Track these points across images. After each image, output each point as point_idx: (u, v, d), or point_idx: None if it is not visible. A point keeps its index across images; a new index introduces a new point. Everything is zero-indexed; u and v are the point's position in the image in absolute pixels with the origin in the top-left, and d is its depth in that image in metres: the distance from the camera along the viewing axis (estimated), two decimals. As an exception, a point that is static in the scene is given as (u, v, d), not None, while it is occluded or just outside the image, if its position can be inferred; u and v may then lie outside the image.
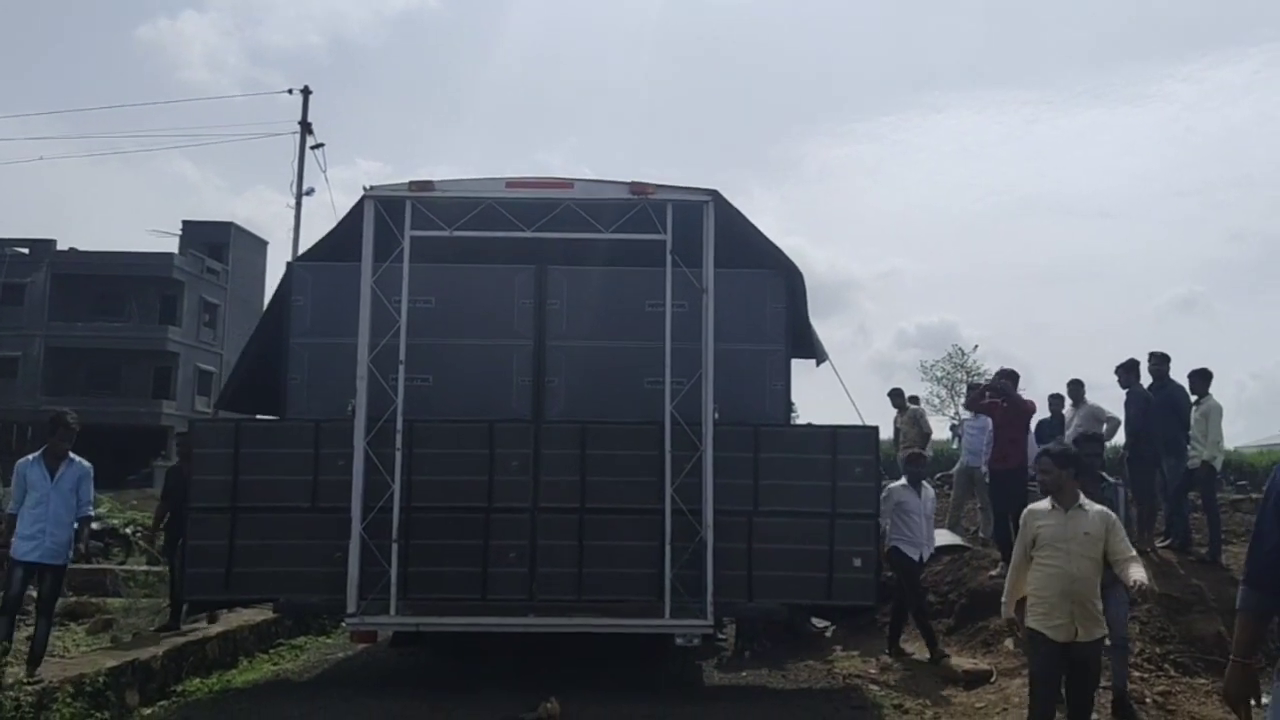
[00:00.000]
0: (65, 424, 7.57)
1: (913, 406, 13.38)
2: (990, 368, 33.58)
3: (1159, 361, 10.00)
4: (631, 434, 8.32)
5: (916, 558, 9.13)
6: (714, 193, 8.31)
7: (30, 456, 7.56)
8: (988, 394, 9.99)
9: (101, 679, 7.25)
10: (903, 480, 9.30)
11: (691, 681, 8.98)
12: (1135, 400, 10.05)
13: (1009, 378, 9.86)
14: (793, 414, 9.97)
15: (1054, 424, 11.27)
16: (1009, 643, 8.65)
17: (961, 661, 8.66)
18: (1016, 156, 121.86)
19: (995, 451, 9.59)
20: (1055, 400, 11.64)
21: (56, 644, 8.83)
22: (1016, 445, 9.46)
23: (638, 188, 8.19)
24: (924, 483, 9.52)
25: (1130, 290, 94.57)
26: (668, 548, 7.92)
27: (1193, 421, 9.72)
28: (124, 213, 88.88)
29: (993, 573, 9.80)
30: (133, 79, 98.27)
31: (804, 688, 8.63)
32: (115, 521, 17.82)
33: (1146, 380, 10.08)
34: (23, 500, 7.42)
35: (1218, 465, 9.79)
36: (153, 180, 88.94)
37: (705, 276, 8.16)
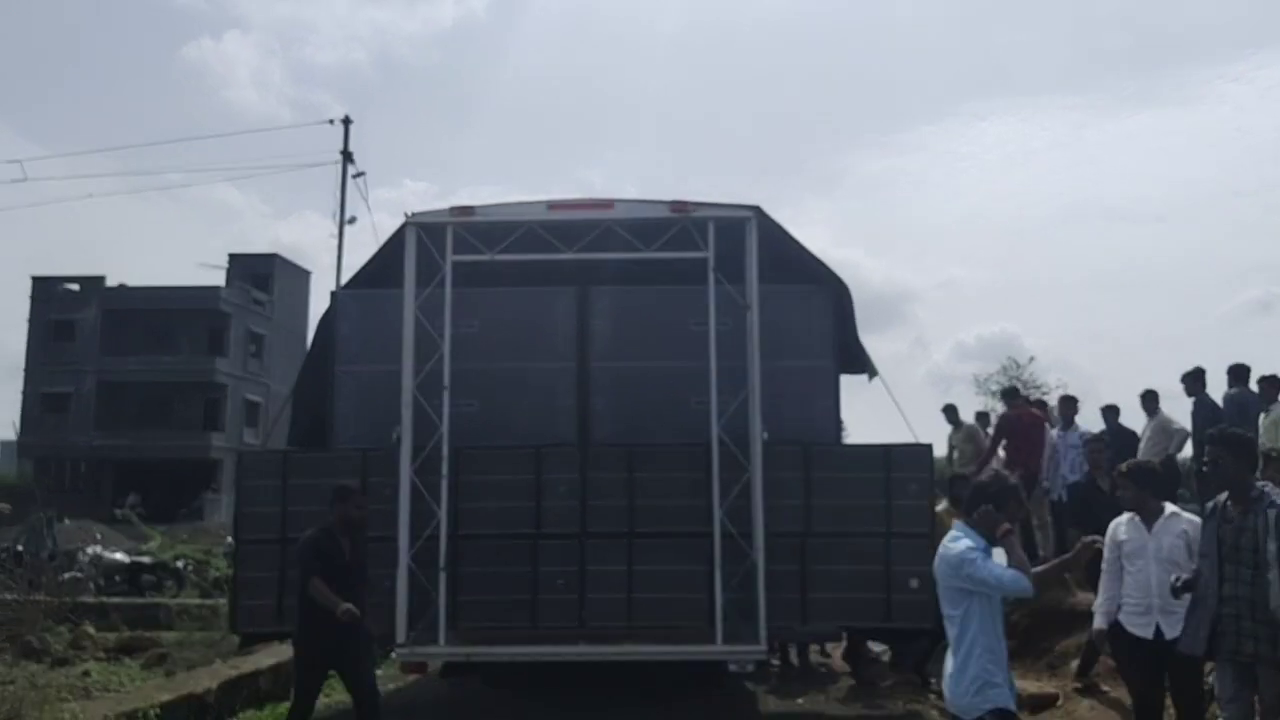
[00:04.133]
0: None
1: (969, 424, 13.08)
2: (1048, 380, 32.77)
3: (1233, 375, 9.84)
4: (679, 456, 8.19)
5: None
6: (756, 208, 8.20)
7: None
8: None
9: (155, 713, 7.23)
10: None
11: (746, 709, 8.80)
12: (1202, 410, 9.78)
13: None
14: (843, 432, 9.79)
15: (1114, 436, 10.93)
16: (1074, 665, 8.38)
17: (1026, 685, 8.39)
18: (1064, 163, 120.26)
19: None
20: (1109, 412, 11.33)
21: (112, 678, 8.90)
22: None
23: (678, 206, 8.10)
24: None
25: (1193, 295, 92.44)
26: (718, 572, 7.75)
27: (1262, 429, 9.41)
28: (169, 244, 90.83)
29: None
30: (177, 102, 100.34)
31: (862, 715, 8.41)
32: (167, 556, 18.00)
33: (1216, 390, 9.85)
34: None
35: (1288, 473, 9.45)
36: (197, 209, 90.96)
37: (749, 293, 8.04)
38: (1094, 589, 6.29)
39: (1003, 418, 11.39)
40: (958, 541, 4.48)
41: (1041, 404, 12.48)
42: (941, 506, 8.66)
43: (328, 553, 6.26)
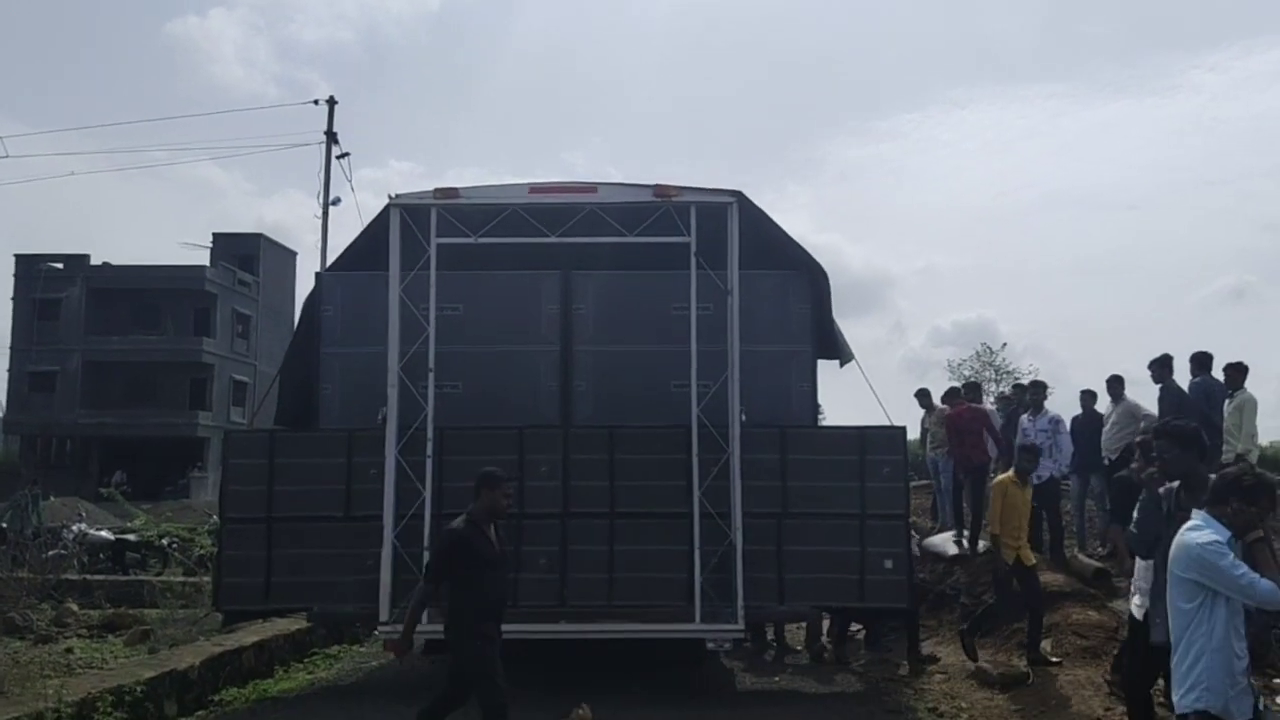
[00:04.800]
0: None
1: (941, 406, 13.25)
2: (1021, 365, 33.09)
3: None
4: (659, 438, 8.31)
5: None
6: (738, 194, 8.29)
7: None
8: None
9: (140, 689, 7.32)
10: None
11: (723, 686, 8.95)
12: (1169, 396, 9.93)
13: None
14: (820, 415, 9.92)
15: (1085, 420, 11.12)
16: (1046, 645, 8.54)
17: (997, 664, 8.56)
18: (1042, 151, 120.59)
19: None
20: (1087, 396, 11.50)
21: (95, 655, 8.97)
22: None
23: (661, 190, 8.19)
24: None
25: (1167, 282, 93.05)
26: (697, 552, 7.89)
27: (1227, 415, 9.59)
28: (154, 222, 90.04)
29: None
30: (161, 79, 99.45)
31: (837, 691, 8.57)
32: (152, 534, 18.03)
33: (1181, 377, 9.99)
34: None
35: (1253, 459, 9.63)
36: (181, 187, 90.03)
37: (730, 278, 8.14)
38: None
39: (945, 415, 11.93)
40: (1200, 532, 4.04)
41: (976, 391, 13.21)
42: (1007, 475, 8.75)
43: (477, 547, 5.80)
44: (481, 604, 5.81)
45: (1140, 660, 5.69)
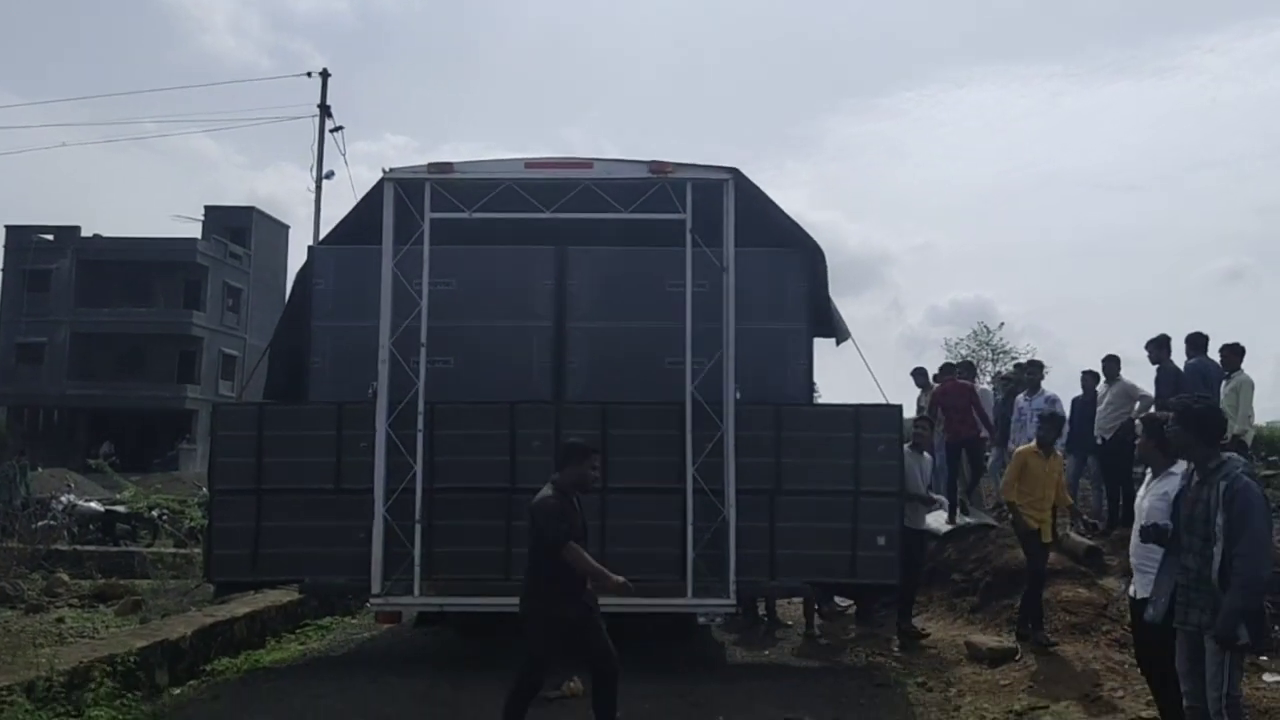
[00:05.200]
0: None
1: (937, 385, 13.28)
2: (1018, 345, 33.07)
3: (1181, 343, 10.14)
4: (653, 414, 8.31)
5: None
6: (734, 171, 8.25)
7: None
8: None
9: (133, 659, 7.33)
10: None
11: (714, 660, 9.00)
12: (1166, 377, 9.96)
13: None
14: (815, 394, 9.94)
15: (1086, 401, 11.14)
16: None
17: (986, 639, 8.62)
18: (1042, 130, 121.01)
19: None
20: (1088, 377, 11.53)
21: (86, 624, 8.98)
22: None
23: (657, 167, 8.14)
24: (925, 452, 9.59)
25: (1165, 263, 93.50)
26: (689, 527, 7.91)
27: (1223, 396, 9.62)
28: (145, 195, 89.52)
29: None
30: (152, 48, 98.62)
31: (826, 665, 8.63)
32: (141, 505, 18.01)
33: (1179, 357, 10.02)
34: None
35: (1248, 440, 9.69)
36: (173, 159, 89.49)
37: (725, 255, 8.11)
38: None
39: (934, 391, 11.99)
40: None
41: (969, 369, 13.35)
42: (1028, 445, 8.83)
43: (569, 517, 5.74)
44: (565, 579, 5.72)
45: (1143, 642, 5.74)
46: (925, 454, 9.59)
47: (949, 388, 11.56)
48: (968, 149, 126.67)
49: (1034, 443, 8.74)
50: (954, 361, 14.74)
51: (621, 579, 5.63)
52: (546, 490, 5.85)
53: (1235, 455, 5.09)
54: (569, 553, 5.62)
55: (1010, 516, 8.99)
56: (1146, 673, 5.95)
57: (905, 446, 9.02)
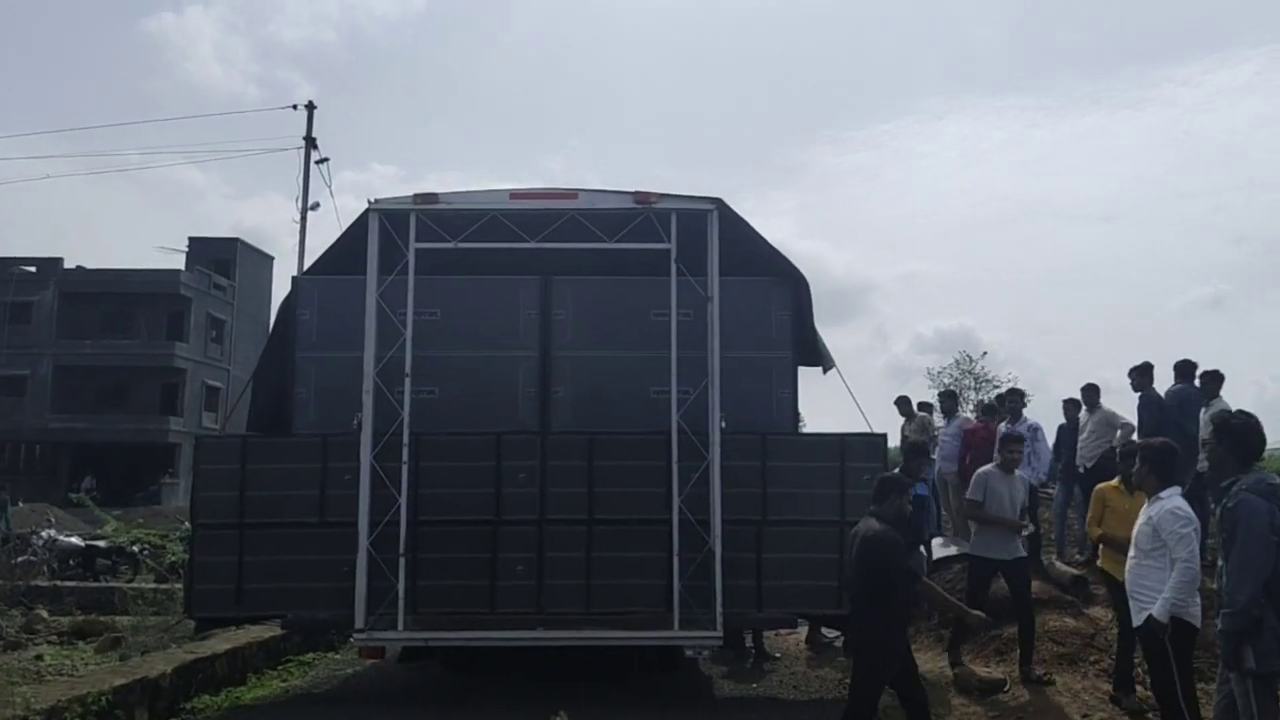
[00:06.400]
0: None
1: (921, 414, 13.30)
2: (1000, 375, 33.40)
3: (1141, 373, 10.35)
4: (638, 444, 8.27)
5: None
6: (718, 201, 8.28)
7: None
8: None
9: (107, 698, 7.20)
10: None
11: (702, 693, 8.92)
12: (1149, 405, 10.01)
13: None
14: (800, 423, 9.91)
15: (1069, 429, 11.18)
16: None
17: (975, 670, 8.58)
18: (1017, 162, 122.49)
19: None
20: (1070, 405, 11.58)
21: (65, 662, 8.83)
22: None
23: (641, 197, 8.17)
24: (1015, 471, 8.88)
25: (1143, 292, 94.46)
26: (676, 559, 7.86)
27: (1202, 423, 9.66)
28: (129, 226, 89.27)
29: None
30: (137, 79, 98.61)
31: (815, 698, 8.56)
32: (123, 540, 17.81)
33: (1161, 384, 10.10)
34: None
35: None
36: (158, 189, 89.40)
37: (710, 285, 8.13)
38: None
39: (967, 432, 11.90)
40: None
41: (991, 411, 12.88)
42: (1109, 483, 8.01)
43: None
44: (898, 612, 5.85)
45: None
46: (1017, 473, 8.72)
47: (978, 430, 11.63)
48: (946, 179, 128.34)
49: (1118, 480, 7.96)
50: (954, 390, 14.74)
51: (979, 613, 6.15)
52: (875, 524, 5.88)
53: (1259, 471, 5.00)
54: (924, 586, 5.91)
55: (1099, 561, 8.27)
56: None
57: (990, 467, 8.64)
